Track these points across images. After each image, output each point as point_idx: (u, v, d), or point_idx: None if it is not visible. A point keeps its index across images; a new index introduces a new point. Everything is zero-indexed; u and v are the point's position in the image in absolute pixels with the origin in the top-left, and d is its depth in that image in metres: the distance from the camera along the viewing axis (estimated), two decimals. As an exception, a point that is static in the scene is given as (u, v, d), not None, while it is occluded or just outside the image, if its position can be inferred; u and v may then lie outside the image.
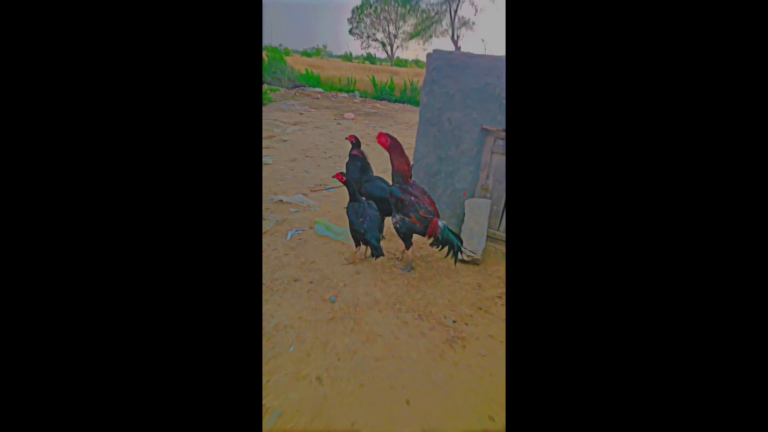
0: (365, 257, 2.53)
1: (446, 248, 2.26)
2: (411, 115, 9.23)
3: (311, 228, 2.89)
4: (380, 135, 2.24)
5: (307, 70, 13.76)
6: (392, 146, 2.23)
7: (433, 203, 2.28)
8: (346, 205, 2.41)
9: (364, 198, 2.42)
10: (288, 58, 15.60)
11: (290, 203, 3.35)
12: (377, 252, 2.27)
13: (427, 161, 2.94)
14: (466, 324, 1.96)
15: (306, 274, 2.28)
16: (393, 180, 2.31)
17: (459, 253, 2.27)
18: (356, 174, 2.70)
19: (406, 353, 1.73)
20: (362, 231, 2.30)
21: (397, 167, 2.25)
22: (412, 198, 2.23)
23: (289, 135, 6.20)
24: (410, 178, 2.27)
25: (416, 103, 11.38)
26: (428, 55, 2.73)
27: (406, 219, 2.27)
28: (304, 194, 3.55)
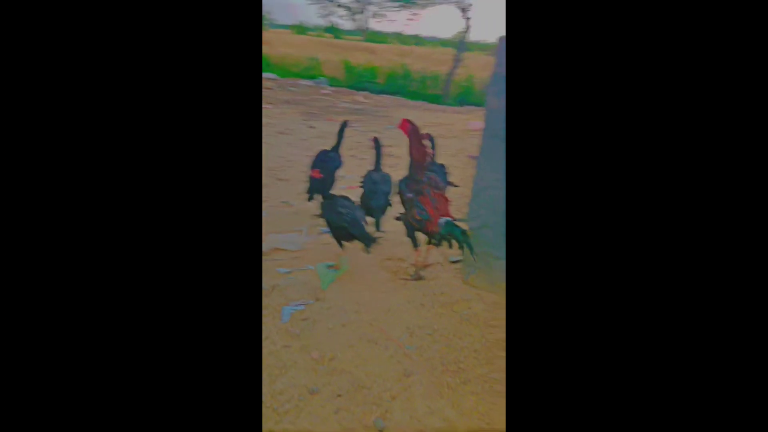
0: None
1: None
2: (409, 113, 7.07)
3: (318, 300, 1.93)
4: (403, 121, 2.15)
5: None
6: (412, 131, 2.11)
7: (444, 203, 2.02)
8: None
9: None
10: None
11: (278, 250, 2.33)
12: (365, 238, 1.99)
13: (495, 194, 1.98)
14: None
15: (326, 380, 1.48)
16: (409, 171, 2.15)
17: (468, 248, 1.86)
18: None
19: None
20: (345, 222, 2.02)
21: (412, 153, 2.12)
22: (410, 195, 2.05)
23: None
24: (425, 169, 2.09)
25: (413, 95, 8.69)
26: (501, 38, 1.95)
27: (408, 218, 2.12)
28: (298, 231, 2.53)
